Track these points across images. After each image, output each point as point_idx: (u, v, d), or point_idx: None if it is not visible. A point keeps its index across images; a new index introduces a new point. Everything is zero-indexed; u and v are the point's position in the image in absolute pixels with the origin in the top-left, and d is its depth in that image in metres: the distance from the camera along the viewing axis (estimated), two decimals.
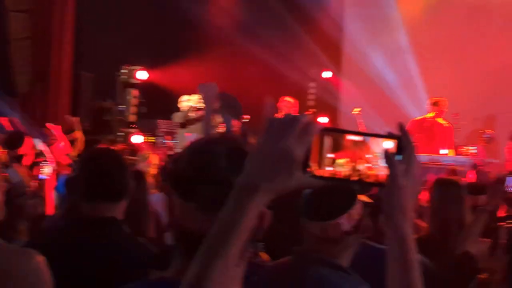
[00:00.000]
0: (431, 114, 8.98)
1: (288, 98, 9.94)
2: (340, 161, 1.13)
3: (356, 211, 2.21)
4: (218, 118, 9.02)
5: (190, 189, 1.37)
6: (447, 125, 8.98)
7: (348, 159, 1.13)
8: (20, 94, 9.91)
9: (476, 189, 4.15)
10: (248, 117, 10.05)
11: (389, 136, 1.16)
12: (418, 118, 9.20)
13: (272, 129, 1.09)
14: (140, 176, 3.66)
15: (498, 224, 4.11)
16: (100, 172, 2.64)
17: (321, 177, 1.13)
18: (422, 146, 8.70)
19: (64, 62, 10.18)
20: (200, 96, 9.56)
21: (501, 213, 4.36)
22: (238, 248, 1.07)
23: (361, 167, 1.14)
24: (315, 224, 2.19)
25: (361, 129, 9.28)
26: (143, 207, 3.53)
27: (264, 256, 2.58)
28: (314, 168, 1.12)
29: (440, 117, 9.00)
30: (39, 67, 10.03)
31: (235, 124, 8.75)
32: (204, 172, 1.36)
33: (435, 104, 9.00)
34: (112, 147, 5.76)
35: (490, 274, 2.80)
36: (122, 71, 10.74)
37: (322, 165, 1.13)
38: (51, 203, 4.66)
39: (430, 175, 6.04)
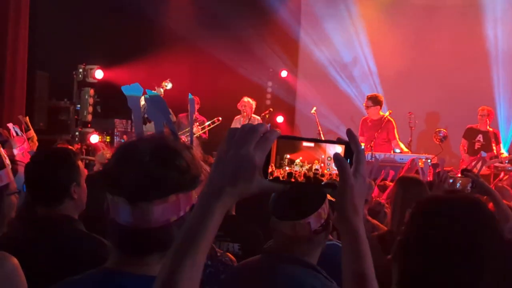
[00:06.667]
0: (384, 113, 9.07)
1: (247, 98, 10.07)
2: (297, 161, 1.26)
3: (324, 211, 2.27)
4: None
5: (116, 183, 1.46)
6: (391, 118, 9.05)
7: (305, 160, 1.27)
8: None
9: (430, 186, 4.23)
10: (220, 118, 10.14)
11: (338, 142, 1.28)
12: (368, 117, 9.25)
13: (233, 138, 1.17)
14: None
15: None
16: (36, 176, 2.70)
17: (281, 181, 1.23)
18: (376, 142, 8.80)
19: (18, 61, 9.92)
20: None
21: None
22: (206, 246, 1.16)
23: (317, 166, 1.27)
24: (285, 223, 2.24)
25: (318, 127, 9.41)
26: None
27: (231, 256, 2.63)
28: (274, 169, 1.23)
29: (380, 111, 9.10)
30: None
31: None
32: (127, 165, 1.45)
33: (375, 100, 9.07)
34: (67, 147, 5.70)
35: None
36: (78, 70, 10.59)
37: (281, 165, 1.25)
38: None
39: (386, 173, 6.16)
